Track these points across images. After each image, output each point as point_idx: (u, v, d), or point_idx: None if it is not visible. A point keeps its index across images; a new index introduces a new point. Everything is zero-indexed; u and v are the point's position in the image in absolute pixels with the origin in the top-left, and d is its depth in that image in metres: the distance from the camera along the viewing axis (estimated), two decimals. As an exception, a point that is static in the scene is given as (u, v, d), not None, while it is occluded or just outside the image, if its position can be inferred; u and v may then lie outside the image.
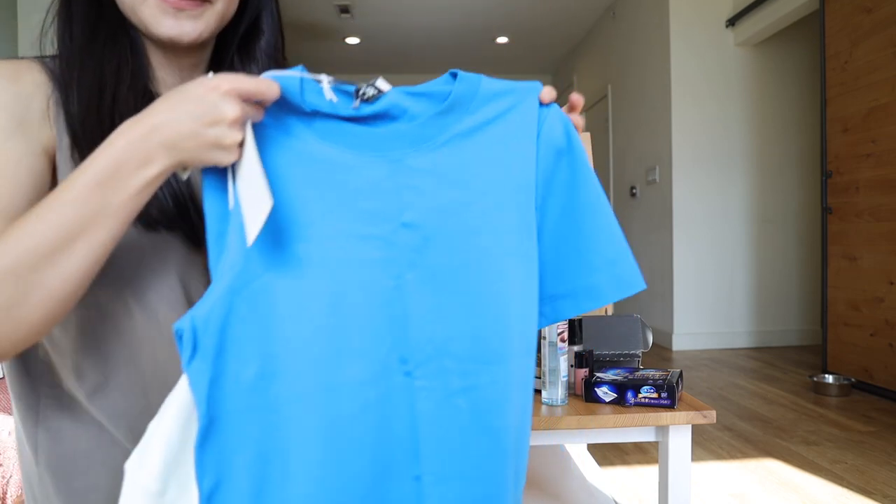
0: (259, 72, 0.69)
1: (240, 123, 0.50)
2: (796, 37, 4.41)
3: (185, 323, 0.51)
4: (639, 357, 1.26)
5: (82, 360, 0.61)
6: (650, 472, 2.16)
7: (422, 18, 5.86)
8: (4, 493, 1.22)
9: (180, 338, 0.51)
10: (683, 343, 4.44)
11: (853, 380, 3.15)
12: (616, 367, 1.21)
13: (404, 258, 0.56)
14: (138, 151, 0.49)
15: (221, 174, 0.54)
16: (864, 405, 2.93)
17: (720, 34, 4.46)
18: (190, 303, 0.62)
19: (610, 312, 1.59)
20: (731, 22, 4.38)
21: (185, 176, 0.53)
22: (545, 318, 0.64)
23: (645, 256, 5.02)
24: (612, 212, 0.62)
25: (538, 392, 1.12)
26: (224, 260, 0.52)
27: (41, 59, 0.62)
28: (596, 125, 6.18)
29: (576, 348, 1.25)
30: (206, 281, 0.62)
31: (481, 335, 0.57)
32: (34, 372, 0.63)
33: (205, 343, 0.51)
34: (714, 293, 4.48)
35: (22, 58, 0.63)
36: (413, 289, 0.55)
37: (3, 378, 1.59)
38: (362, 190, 0.55)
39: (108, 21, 0.63)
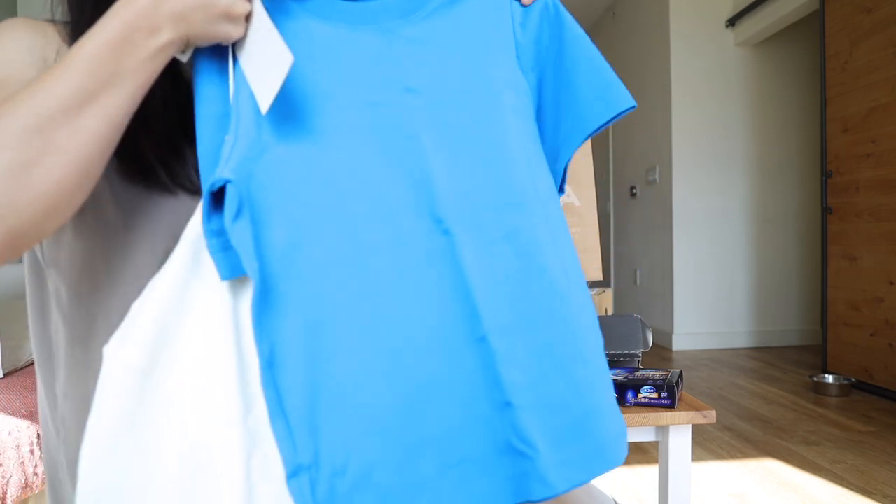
0: None
1: None
2: (796, 37, 4.41)
3: (226, 174, 0.49)
4: (639, 357, 1.26)
5: (79, 308, 0.59)
6: (650, 472, 2.16)
7: (422, 18, 5.85)
8: (4, 493, 1.22)
9: (212, 194, 0.50)
10: (683, 343, 4.44)
11: (853, 380, 3.15)
12: (616, 367, 1.21)
13: (416, 120, 0.56)
14: (146, 20, 0.48)
15: (216, 55, 0.54)
16: (864, 405, 2.93)
17: (720, 34, 4.46)
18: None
19: (610, 312, 1.59)
20: (731, 22, 4.38)
21: (185, 58, 0.52)
22: (559, 163, 0.66)
23: (645, 256, 5.02)
24: (593, 45, 0.67)
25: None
26: (234, 133, 0.52)
27: (54, 22, 0.61)
28: (596, 125, 6.17)
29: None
30: None
31: (504, 182, 0.57)
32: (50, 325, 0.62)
33: (242, 204, 0.50)
34: (714, 293, 4.48)
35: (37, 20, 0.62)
36: (430, 149, 0.56)
37: (3, 378, 1.59)
38: (363, 60, 0.56)
39: None
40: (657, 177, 4.71)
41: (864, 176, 3.16)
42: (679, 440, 1.08)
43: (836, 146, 3.36)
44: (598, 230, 1.71)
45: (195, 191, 0.59)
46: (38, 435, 1.35)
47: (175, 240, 0.55)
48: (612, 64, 5.99)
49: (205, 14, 0.49)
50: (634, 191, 5.19)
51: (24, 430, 1.32)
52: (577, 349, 0.57)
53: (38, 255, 0.61)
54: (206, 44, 0.52)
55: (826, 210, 3.43)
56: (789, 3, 3.82)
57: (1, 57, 0.56)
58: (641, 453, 2.34)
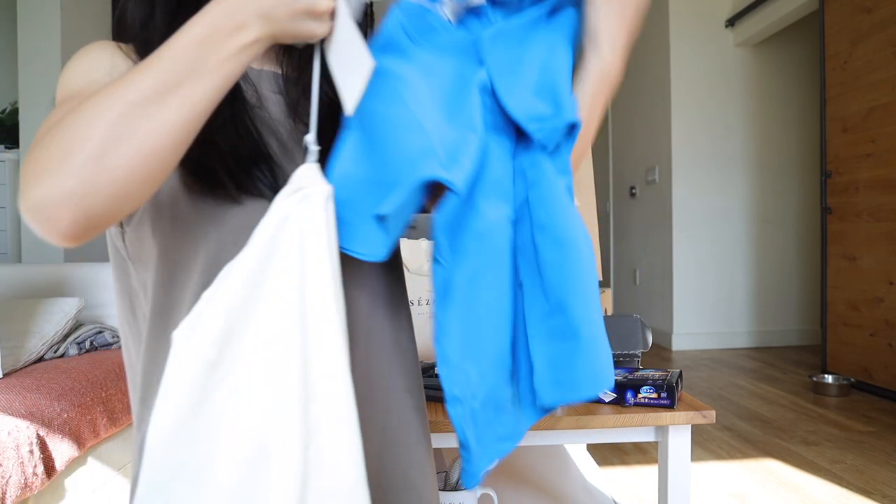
0: None
1: None
2: (796, 37, 4.41)
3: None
4: (639, 357, 1.26)
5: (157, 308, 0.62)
6: (650, 472, 2.15)
7: (421, 18, 5.86)
8: (4, 493, 1.22)
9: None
10: (683, 343, 4.44)
11: (853, 380, 3.15)
12: (616, 367, 1.21)
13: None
14: (233, 18, 0.50)
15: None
16: (864, 405, 2.93)
17: (720, 34, 4.46)
18: None
19: (609, 312, 1.60)
20: (731, 22, 4.38)
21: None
22: None
23: (644, 256, 5.02)
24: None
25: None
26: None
27: (117, 43, 0.64)
28: (596, 125, 6.17)
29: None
30: None
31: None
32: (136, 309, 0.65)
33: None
34: (714, 293, 4.48)
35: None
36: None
37: (3, 378, 1.59)
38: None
39: (189, 9, 0.64)
40: (657, 177, 4.71)
41: (864, 176, 3.16)
42: (679, 440, 1.08)
43: (836, 146, 3.36)
44: (597, 230, 1.71)
45: (260, 197, 0.62)
46: (38, 435, 1.35)
47: (239, 243, 0.57)
48: (611, 64, 6.01)
49: (289, 10, 0.51)
50: (634, 191, 5.19)
51: (23, 431, 1.31)
52: (584, 290, 0.66)
53: (123, 252, 0.65)
54: (292, 41, 0.54)
55: (826, 210, 3.43)
56: (789, 3, 3.82)
57: (80, 70, 0.60)
58: (641, 453, 2.34)
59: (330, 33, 0.54)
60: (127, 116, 0.46)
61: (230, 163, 0.60)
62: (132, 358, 0.67)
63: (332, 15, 0.53)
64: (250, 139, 0.62)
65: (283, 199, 0.52)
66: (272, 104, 0.68)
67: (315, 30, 0.53)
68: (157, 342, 0.62)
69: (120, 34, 0.64)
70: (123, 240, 0.63)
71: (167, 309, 0.61)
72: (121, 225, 0.64)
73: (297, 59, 0.70)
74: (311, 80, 0.58)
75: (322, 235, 0.52)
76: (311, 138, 0.54)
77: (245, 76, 0.66)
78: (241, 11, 0.50)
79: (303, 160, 0.65)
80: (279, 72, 0.71)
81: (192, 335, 0.49)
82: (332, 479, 0.51)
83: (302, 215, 0.52)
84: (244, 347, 0.50)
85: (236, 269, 0.51)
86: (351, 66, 0.52)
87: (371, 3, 0.60)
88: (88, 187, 0.45)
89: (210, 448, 0.49)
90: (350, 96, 0.52)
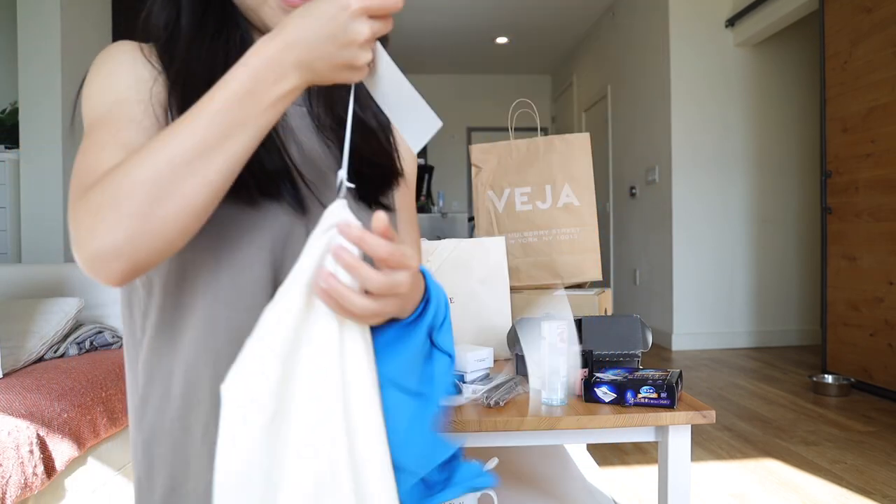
0: None
1: (371, 43, 0.52)
2: (796, 37, 4.41)
3: None
4: (638, 357, 1.26)
5: (164, 309, 0.63)
6: (650, 472, 2.16)
7: (422, 18, 5.86)
8: (4, 494, 1.22)
9: None
10: (683, 343, 4.45)
11: (853, 380, 3.15)
12: (616, 367, 1.21)
13: None
14: (273, 70, 0.50)
15: None
16: (864, 405, 2.93)
17: (720, 34, 4.46)
18: (276, 275, 0.63)
19: (609, 312, 1.60)
20: (731, 22, 4.38)
21: None
22: None
23: (645, 256, 5.02)
24: None
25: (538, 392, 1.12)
26: None
27: (139, 45, 0.65)
28: (596, 125, 6.18)
29: (575, 348, 1.25)
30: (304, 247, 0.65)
31: None
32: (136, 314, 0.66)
33: None
34: (714, 293, 4.48)
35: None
36: None
37: (3, 378, 1.59)
38: None
39: (215, 13, 0.66)
40: (657, 177, 4.71)
41: (864, 176, 3.16)
42: (679, 440, 1.08)
43: (836, 146, 3.36)
44: (597, 230, 1.71)
45: (279, 201, 0.63)
46: (38, 435, 1.35)
47: (254, 244, 0.61)
48: (611, 64, 6.02)
49: (328, 64, 0.51)
50: (634, 191, 5.19)
51: (23, 431, 1.31)
52: None
53: None
54: (327, 84, 0.54)
55: (826, 210, 3.43)
56: (789, 3, 3.82)
57: (104, 86, 0.62)
58: (641, 453, 2.34)
59: (372, 76, 0.55)
60: (170, 176, 0.49)
61: (254, 167, 0.61)
62: (131, 354, 0.68)
63: (372, 62, 0.54)
64: (273, 146, 0.63)
65: (319, 238, 0.52)
66: (294, 114, 0.70)
67: (351, 78, 0.53)
68: (162, 339, 0.63)
69: (144, 33, 0.66)
70: None
71: (176, 306, 0.62)
72: None
73: None
74: (333, 96, 0.58)
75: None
76: (343, 175, 0.55)
77: None
78: (281, 64, 0.50)
79: (324, 166, 0.67)
80: None
81: (245, 387, 0.50)
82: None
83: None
84: (296, 391, 0.52)
85: (281, 313, 0.51)
86: (415, 114, 0.55)
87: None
88: (136, 244, 0.49)
89: (274, 492, 0.50)
90: (416, 143, 0.55)
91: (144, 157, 0.49)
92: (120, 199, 0.48)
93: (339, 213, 0.52)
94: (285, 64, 0.50)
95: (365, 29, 0.50)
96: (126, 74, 0.62)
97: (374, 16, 0.51)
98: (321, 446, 0.52)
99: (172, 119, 0.61)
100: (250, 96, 0.50)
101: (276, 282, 0.64)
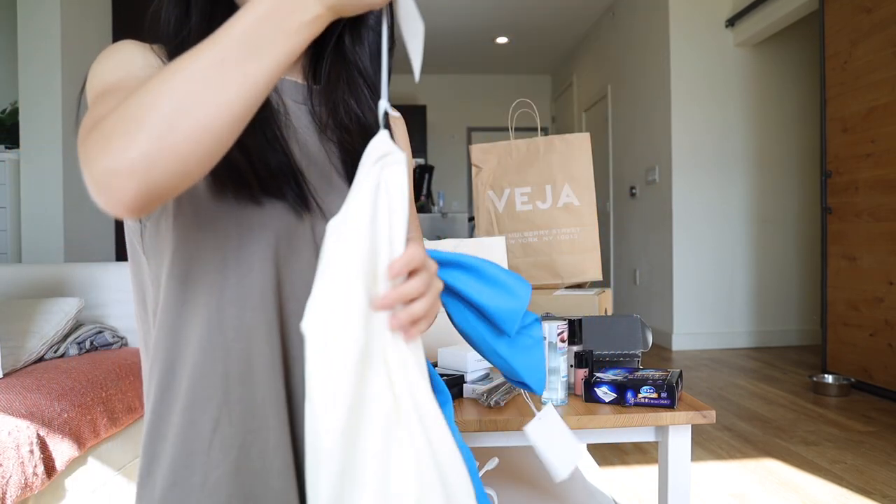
0: (370, 45, 0.74)
1: None
2: (796, 37, 4.41)
3: None
4: (639, 357, 1.26)
5: (168, 304, 0.63)
6: (650, 472, 2.16)
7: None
8: (4, 493, 1.22)
9: None
10: (683, 343, 4.44)
11: (853, 380, 3.15)
12: (616, 367, 1.21)
13: None
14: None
15: None
16: (864, 405, 2.93)
17: (720, 34, 4.46)
18: (280, 274, 0.63)
19: (610, 312, 1.60)
20: (731, 22, 4.38)
21: None
22: None
23: (645, 256, 5.02)
24: None
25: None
26: None
27: (150, 45, 0.66)
28: (596, 125, 6.18)
29: (575, 348, 1.25)
30: (312, 246, 0.65)
31: None
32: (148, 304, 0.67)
33: None
34: (714, 293, 4.48)
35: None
36: None
37: (3, 378, 1.59)
38: None
39: (222, 11, 0.66)
40: (657, 177, 4.71)
41: (864, 176, 3.16)
42: (679, 440, 1.08)
43: (836, 146, 3.36)
44: (597, 230, 1.71)
45: (281, 200, 0.63)
46: (38, 435, 1.35)
47: (257, 242, 0.61)
48: (611, 64, 6.02)
49: None
50: (634, 191, 5.19)
51: (23, 431, 1.31)
52: None
53: (139, 246, 0.67)
54: (353, 13, 0.53)
55: (826, 210, 3.43)
56: (789, 3, 3.82)
57: (113, 64, 0.61)
58: (641, 453, 2.34)
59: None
60: (190, 92, 0.47)
61: (256, 165, 0.61)
62: (144, 352, 0.68)
63: None
64: (276, 144, 0.63)
65: (371, 167, 0.53)
66: (296, 113, 0.71)
67: (375, 4, 0.52)
68: (168, 335, 0.63)
69: (152, 34, 0.66)
70: (142, 234, 0.65)
71: (182, 302, 0.63)
72: (140, 220, 0.66)
73: (323, 72, 0.73)
74: (335, 96, 0.60)
75: (405, 199, 0.54)
76: (385, 104, 0.55)
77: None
78: None
79: (326, 166, 0.68)
80: (302, 82, 0.73)
81: (338, 322, 0.48)
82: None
83: (389, 181, 0.53)
84: (377, 321, 0.52)
85: (350, 244, 0.51)
86: (413, 27, 0.54)
87: None
88: (153, 160, 0.46)
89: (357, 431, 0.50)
90: (416, 62, 0.55)
91: (163, 77, 0.47)
92: (137, 117, 0.46)
93: (384, 144, 0.53)
94: None
95: None
96: (136, 59, 0.62)
97: None
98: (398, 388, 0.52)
99: None
100: (271, 20, 0.49)
101: (280, 280, 0.64)
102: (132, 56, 0.63)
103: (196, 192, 0.61)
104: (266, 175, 0.62)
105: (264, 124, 0.63)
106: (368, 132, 0.72)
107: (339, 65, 0.73)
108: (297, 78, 0.74)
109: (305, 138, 0.70)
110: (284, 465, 0.61)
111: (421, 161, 7.21)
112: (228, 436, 0.61)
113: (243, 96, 0.49)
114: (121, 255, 3.42)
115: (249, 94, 0.49)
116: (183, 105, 0.46)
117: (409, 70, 0.64)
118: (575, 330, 1.26)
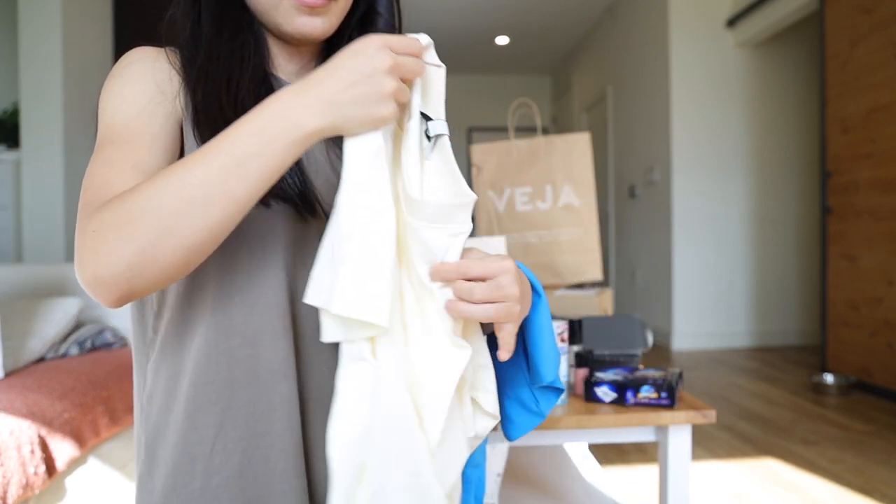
0: None
1: (397, 96, 0.53)
2: (796, 37, 4.41)
3: None
4: (639, 357, 1.26)
5: (179, 313, 0.63)
6: (650, 472, 2.16)
7: (422, 19, 5.86)
8: (5, 493, 1.22)
9: None
10: (683, 343, 4.45)
11: (853, 380, 3.15)
12: (616, 367, 1.21)
13: None
14: (292, 111, 0.51)
15: None
16: (864, 405, 2.93)
17: (720, 35, 4.46)
18: (290, 278, 0.64)
19: (610, 312, 1.60)
20: (731, 22, 4.38)
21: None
22: None
23: (645, 256, 5.02)
24: None
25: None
26: None
27: (164, 49, 0.67)
28: (596, 125, 6.18)
29: (576, 348, 1.25)
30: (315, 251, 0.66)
31: None
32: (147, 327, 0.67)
33: None
34: (714, 293, 4.48)
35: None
36: None
37: (4, 378, 1.59)
38: None
39: (231, 16, 0.68)
40: (657, 177, 4.71)
41: (864, 176, 3.16)
42: (679, 440, 1.08)
43: (836, 146, 3.36)
44: (598, 230, 1.71)
45: (287, 202, 0.63)
46: (39, 435, 1.35)
47: (266, 240, 0.62)
48: (611, 64, 6.02)
49: (351, 96, 0.51)
50: (634, 191, 5.19)
51: (25, 431, 1.32)
52: None
53: None
54: (360, 131, 0.53)
55: (826, 210, 3.44)
56: (789, 4, 3.82)
57: (122, 96, 0.62)
58: (641, 453, 2.34)
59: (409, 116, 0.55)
60: (175, 211, 0.49)
61: None
62: (140, 352, 0.68)
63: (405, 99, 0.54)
64: None
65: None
66: None
67: (383, 113, 0.52)
68: (174, 339, 0.63)
69: (169, 38, 0.67)
70: None
71: (190, 306, 0.63)
72: None
73: None
74: None
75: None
76: (426, 38, 0.58)
77: (274, 89, 0.68)
78: (300, 105, 0.50)
79: (330, 172, 0.69)
80: None
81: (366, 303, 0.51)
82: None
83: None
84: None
85: (359, 218, 0.52)
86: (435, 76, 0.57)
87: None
88: (137, 271, 0.50)
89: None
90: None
91: (154, 188, 0.50)
92: (125, 228, 0.49)
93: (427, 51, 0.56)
94: (304, 104, 0.50)
95: (393, 84, 0.51)
96: (145, 85, 0.63)
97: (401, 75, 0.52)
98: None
99: (194, 120, 0.62)
100: (262, 138, 0.50)
101: (291, 285, 0.64)
102: (143, 84, 0.63)
103: None
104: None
105: None
106: None
107: None
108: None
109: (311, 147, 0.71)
110: (290, 467, 0.61)
111: (421, 161, 7.18)
112: (231, 440, 0.61)
113: (226, 214, 0.51)
114: (121, 255, 3.42)
115: (232, 212, 0.51)
116: (167, 224, 0.49)
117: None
118: (575, 330, 1.27)
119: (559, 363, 0.70)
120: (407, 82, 0.55)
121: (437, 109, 0.60)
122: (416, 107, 0.57)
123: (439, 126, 0.59)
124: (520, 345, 0.70)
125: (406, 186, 0.55)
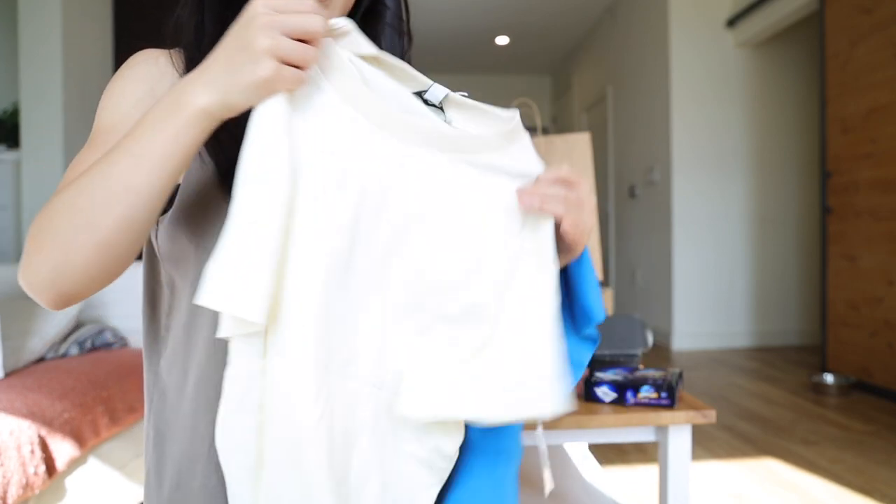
0: (386, 46, 0.72)
1: (275, 52, 0.47)
2: (796, 37, 4.41)
3: None
4: (639, 357, 1.26)
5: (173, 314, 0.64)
6: (650, 472, 2.16)
7: (422, 19, 5.86)
8: (5, 493, 1.22)
9: None
10: (683, 343, 4.45)
11: (853, 380, 3.15)
12: (616, 367, 1.21)
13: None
14: (177, 101, 0.50)
15: None
16: (864, 405, 2.93)
17: (720, 35, 4.46)
18: None
19: (610, 312, 1.60)
20: (731, 22, 4.38)
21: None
22: None
23: (645, 256, 5.02)
24: None
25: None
26: None
27: (168, 51, 0.67)
28: (596, 125, 6.18)
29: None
30: None
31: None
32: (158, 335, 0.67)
33: None
34: (714, 293, 4.48)
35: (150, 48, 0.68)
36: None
37: (4, 378, 1.59)
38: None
39: (235, 17, 0.66)
40: (657, 177, 4.71)
41: (864, 176, 3.16)
42: (679, 440, 1.08)
43: (836, 146, 3.36)
44: (597, 230, 1.71)
45: None
46: (39, 435, 1.35)
47: None
48: (611, 64, 6.02)
49: (231, 81, 0.48)
50: (634, 191, 5.19)
51: (25, 431, 1.32)
52: None
53: (156, 249, 0.67)
54: (248, 105, 0.49)
55: (826, 210, 3.44)
56: (789, 4, 3.82)
57: (117, 95, 0.63)
58: (641, 453, 2.34)
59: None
60: (82, 211, 0.50)
61: None
62: (151, 349, 0.68)
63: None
64: None
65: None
66: None
67: (259, 73, 0.47)
68: (184, 337, 0.63)
69: (174, 40, 0.67)
70: (156, 235, 0.65)
71: (195, 305, 0.62)
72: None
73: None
74: None
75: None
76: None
77: None
78: (189, 85, 0.49)
79: None
80: None
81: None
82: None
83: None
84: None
85: (240, 200, 0.49)
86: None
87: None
88: (58, 274, 0.51)
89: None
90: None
91: (68, 195, 0.51)
92: (46, 236, 0.51)
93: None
94: (189, 89, 0.49)
95: (266, 41, 0.46)
96: (139, 87, 0.63)
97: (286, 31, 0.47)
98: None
99: None
100: (153, 124, 0.49)
101: None
102: (136, 81, 0.63)
103: (209, 192, 0.61)
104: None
105: None
106: None
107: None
108: None
109: None
110: None
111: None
112: None
113: (129, 206, 0.50)
114: (121, 255, 3.42)
115: (134, 203, 0.50)
116: (77, 226, 0.50)
117: (422, 71, 0.65)
118: (575, 330, 1.27)
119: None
120: (313, 42, 0.48)
121: (422, 81, 0.59)
122: (348, 57, 0.52)
123: (437, 91, 0.57)
124: (563, 293, 0.69)
125: (439, 126, 0.55)
